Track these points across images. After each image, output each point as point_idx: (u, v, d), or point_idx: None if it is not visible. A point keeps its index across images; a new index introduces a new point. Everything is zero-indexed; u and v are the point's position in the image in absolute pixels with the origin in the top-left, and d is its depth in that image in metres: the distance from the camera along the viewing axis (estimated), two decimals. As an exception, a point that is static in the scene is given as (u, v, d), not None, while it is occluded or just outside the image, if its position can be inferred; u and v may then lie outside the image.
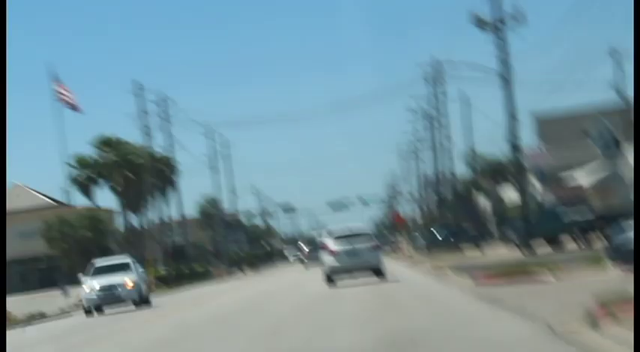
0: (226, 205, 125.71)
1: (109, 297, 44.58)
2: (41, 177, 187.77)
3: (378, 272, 39.75)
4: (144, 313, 40.51)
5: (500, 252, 59.25)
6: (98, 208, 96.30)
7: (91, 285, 44.68)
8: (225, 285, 78.00)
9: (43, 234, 79.83)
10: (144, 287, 46.99)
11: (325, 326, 21.36)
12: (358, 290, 35.36)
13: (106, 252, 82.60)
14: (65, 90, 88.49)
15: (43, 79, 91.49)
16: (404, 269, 53.97)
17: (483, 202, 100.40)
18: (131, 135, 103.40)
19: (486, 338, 15.97)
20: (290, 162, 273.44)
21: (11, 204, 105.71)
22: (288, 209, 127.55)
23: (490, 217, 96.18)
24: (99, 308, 45.05)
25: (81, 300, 46.75)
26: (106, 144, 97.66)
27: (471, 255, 64.94)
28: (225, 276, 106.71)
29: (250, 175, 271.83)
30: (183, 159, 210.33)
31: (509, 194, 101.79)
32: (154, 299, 51.00)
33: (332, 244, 39.68)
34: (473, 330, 17.30)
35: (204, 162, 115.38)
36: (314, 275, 53.28)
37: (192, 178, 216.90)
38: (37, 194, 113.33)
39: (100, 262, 48.33)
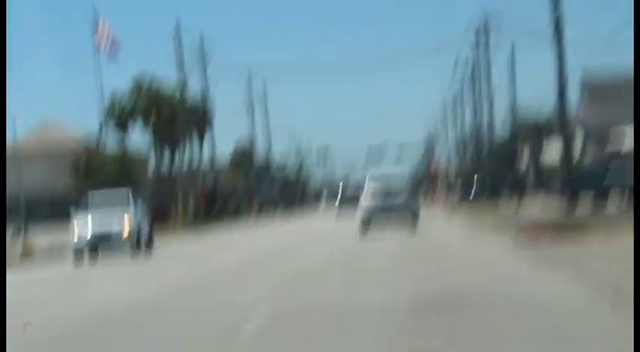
0: (261, 151, 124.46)
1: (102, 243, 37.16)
2: (77, 116, 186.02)
3: (415, 215, 38.25)
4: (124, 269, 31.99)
5: (539, 208, 57.12)
6: (127, 151, 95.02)
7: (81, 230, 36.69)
8: (249, 234, 76.70)
9: (70, 175, 78.49)
10: (145, 231, 38.86)
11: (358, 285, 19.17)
12: (392, 243, 33.26)
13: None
14: (106, 34, 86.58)
15: (85, 17, 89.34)
16: (441, 223, 52.02)
17: (523, 158, 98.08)
18: (169, 75, 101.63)
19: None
20: (330, 113, 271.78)
21: (42, 142, 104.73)
22: (322, 151, 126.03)
23: (529, 173, 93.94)
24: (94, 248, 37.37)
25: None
26: (141, 84, 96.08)
27: (511, 209, 62.87)
28: (254, 223, 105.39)
29: (288, 122, 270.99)
30: (219, 103, 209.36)
31: (551, 151, 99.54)
32: (170, 244, 46.05)
33: (370, 185, 38.57)
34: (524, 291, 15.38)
35: (240, 106, 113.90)
36: (344, 226, 50.25)
37: (228, 122, 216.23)
38: (69, 133, 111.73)
39: (95, 197, 39.79)
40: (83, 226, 36.76)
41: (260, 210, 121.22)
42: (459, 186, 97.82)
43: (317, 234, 48.45)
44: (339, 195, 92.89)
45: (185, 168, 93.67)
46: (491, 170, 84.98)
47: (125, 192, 40.58)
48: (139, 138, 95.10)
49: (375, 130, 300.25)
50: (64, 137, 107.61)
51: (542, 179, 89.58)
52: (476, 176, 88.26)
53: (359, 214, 38.94)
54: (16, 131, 75.79)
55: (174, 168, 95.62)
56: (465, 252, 27.05)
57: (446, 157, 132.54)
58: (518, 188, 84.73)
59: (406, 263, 24.35)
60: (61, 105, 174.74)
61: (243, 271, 25.85)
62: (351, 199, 74.72)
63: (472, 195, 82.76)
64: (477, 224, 42.02)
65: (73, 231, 37.00)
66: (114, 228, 36.82)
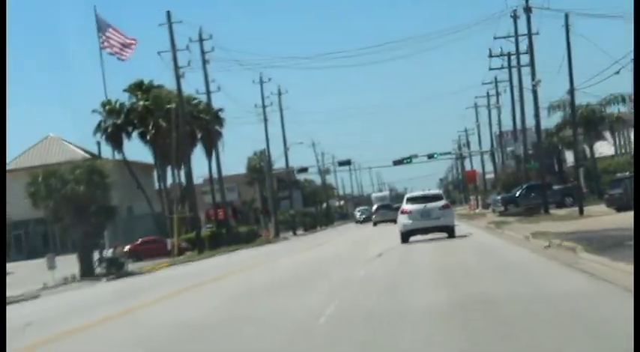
0: (278, 160, 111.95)
1: None
2: (77, 128, 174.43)
3: (450, 231, 41.98)
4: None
5: (603, 215, 44.92)
6: (126, 161, 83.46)
7: None
8: (265, 249, 65.14)
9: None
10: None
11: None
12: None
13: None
14: (115, 35, 76.83)
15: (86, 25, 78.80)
16: (490, 238, 40.03)
17: (571, 157, 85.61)
18: (172, 80, 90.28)
19: None
20: (351, 113, 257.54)
21: (44, 157, 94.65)
22: (344, 162, 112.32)
23: (579, 174, 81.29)
24: None
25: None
26: (139, 88, 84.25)
27: (566, 217, 50.51)
28: (272, 238, 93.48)
29: (305, 126, 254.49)
30: (228, 108, 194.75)
31: (604, 149, 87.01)
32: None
33: (406, 205, 42.63)
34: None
35: (252, 110, 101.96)
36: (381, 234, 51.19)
37: (239, 128, 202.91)
38: (71, 146, 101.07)
39: None
40: None
41: (280, 224, 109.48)
42: (499, 191, 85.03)
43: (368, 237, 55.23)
44: (375, 206, 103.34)
45: (181, 184, 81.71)
46: (535, 170, 72.72)
47: None
48: (138, 147, 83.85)
49: (401, 139, 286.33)
50: (66, 152, 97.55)
51: (596, 179, 77.16)
52: (522, 180, 75.93)
53: (399, 230, 42.79)
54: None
55: (176, 181, 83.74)
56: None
57: (480, 159, 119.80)
58: (569, 190, 72.40)
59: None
60: (62, 120, 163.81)
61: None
62: (385, 208, 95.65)
63: (517, 200, 70.54)
64: (541, 239, 30.00)
65: None
66: None
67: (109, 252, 50.44)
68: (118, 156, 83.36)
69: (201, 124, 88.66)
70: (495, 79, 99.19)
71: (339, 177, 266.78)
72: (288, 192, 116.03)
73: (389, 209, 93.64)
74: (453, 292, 17.78)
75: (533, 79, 65.43)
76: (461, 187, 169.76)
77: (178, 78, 67.36)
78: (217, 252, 68.29)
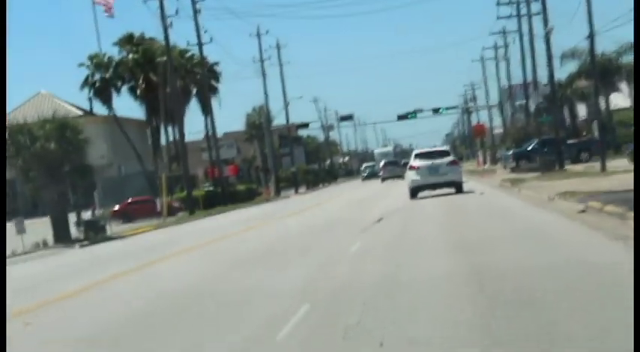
0: (278, 116, 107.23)
1: None
2: (69, 85, 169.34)
3: (458, 186, 41.89)
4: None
5: (628, 172, 40.17)
6: (115, 117, 78.87)
7: None
8: (261, 209, 60.81)
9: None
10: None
11: None
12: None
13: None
14: None
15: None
16: (508, 199, 35.38)
17: (584, 110, 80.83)
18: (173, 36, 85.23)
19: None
20: (353, 65, 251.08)
21: (34, 115, 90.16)
22: (346, 117, 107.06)
23: (593, 127, 76.54)
24: None
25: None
26: (129, 42, 79.41)
27: (586, 173, 45.85)
28: (272, 196, 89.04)
29: (307, 81, 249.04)
30: (226, 62, 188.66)
31: (618, 100, 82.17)
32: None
33: (415, 162, 42.35)
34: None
35: (250, 65, 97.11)
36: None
37: (238, 84, 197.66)
38: (63, 103, 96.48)
39: None
40: None
41: (282, 182, 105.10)
42: (509, 147, 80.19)
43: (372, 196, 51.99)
44: (382, 163, 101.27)
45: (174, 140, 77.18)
46: (547, 124, 67.99)
47: None
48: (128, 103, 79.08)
49: (405, 93, 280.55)
50: (57, 109, 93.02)
51: (612, 132, 72.42)
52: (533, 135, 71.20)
53: (408, 186, 42.56)
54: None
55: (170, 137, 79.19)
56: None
57: (487, 113, 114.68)
58: (585, 147, 67.79)
59: None
60: (54, 76, 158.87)
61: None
62: (392, 164, 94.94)
63: (529, 154, 65.93)
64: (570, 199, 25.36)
65: None
66: None
67: (87, 214, 45.99)
68: (110, 113, 78.72)
69: (196, 79, 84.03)
70: (504, 29, 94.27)
71: (343, 133, 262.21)
72: (289, 149, 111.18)
73: (396, 165, 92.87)
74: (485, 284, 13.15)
75: (545, 26, 60.47)
76: (468, 142, 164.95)
77: (166, 27, 62.49)
78: (211, 212, 63.86)
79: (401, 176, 60.04)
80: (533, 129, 74.27)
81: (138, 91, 75.01)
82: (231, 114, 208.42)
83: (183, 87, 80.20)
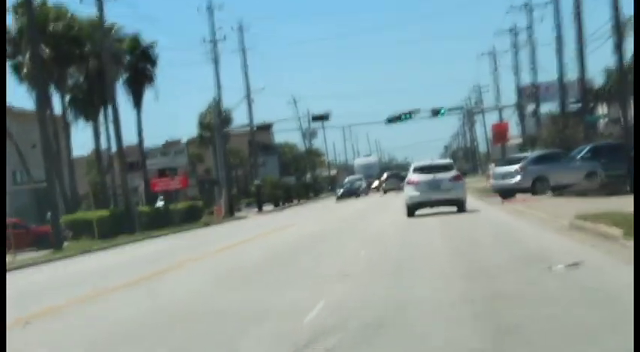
0: (241, 116, 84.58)
1: None
2: None
3: (461, 205, 37.10)
4: None
5: None
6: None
7: None
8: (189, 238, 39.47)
9: None
10: None
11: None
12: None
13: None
14: None
15: None
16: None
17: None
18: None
19: None
20: (337, 73, 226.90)
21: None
22: (320, 116, 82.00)
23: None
24: None
25: None
26: (23, 6, 56.95)
27: None
28: (223, 217, 66.86)
29: (277, 74, 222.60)
30: (175, 52, 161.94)
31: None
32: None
33: (413, 176, 38.04)
34: None
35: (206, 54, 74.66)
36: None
37: (191, 75, 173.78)
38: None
39: None
40: None
41: (242, 198, 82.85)
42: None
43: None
44: (385, 175, 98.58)
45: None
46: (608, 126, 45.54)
47: None
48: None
49: (398, 94, 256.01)
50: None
51: None
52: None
53: (405, 203, 38.13)
54: None
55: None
56: None
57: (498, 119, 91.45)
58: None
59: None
60: None
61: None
62: (394, 177, 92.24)
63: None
64: None
65: None
66: None
67: None
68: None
69: (119, 60, 61.90)
70: (515, 27, 73.07)
71: (330, 142, 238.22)
72: (254, 159, 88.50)
73: (398, 178, 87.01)
74: None
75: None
76: (470, 154, 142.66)
77: None
78: (105, 244, 41.72)
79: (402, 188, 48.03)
80: (575, 132, 52.16)
81: (24, 70, 52.27)
82: (181, 113, 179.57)
83: (97, 69, 57.94)
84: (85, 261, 34.20)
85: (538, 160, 44.61)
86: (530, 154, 47.05)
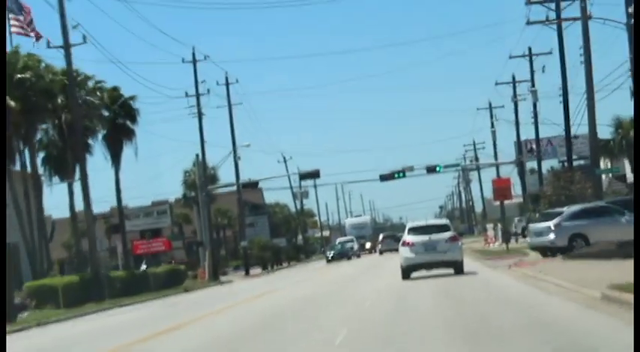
0: (228, 174, 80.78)
1: None
2: None
3: (458, 267, 35.82)
4: None
5: None
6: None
7: None
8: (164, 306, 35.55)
9: None
10: None
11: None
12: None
13: None
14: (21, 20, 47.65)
15: None
16: None
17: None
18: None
19: None
20: (327, 129, 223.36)
21: None
22: (309, 174, 77.35)
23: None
24: None
25: None
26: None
27: None
28: (207, 281, 62.61)
29: (271, 135, 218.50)
30: (160, 109, 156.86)
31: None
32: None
33: (408, 237, 36.61)
34: None
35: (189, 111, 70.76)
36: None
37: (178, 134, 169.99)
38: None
39: None
40: None
41: (230, 261, 78.58)
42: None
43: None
44: (381, 236, 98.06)
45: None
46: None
47: None
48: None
49: (392, 153, 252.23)
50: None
51: None
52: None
53: (400, 265, 36.58)
54: None
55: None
56: None
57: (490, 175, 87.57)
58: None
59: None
60: None
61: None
62: (390, 238, 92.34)
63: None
64: None
65: None
66: None
67: None
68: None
69: (97, 114, 58.03)
70: (513, 78, 69.73)
71: (323, 202, 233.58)
72: (242, 219, 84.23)
73: (394, 239, 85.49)
74: None
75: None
76: (466, 214, 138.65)
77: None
78: (70, 313, 37.57)
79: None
80: (579, 189, 48.22)
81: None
82: (173, 171, 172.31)
83: (69, 123, 53.98)
84: (34, 335, 29.94)
85: (576, 215, 40.19)
86: (567, 209, 41.90)
